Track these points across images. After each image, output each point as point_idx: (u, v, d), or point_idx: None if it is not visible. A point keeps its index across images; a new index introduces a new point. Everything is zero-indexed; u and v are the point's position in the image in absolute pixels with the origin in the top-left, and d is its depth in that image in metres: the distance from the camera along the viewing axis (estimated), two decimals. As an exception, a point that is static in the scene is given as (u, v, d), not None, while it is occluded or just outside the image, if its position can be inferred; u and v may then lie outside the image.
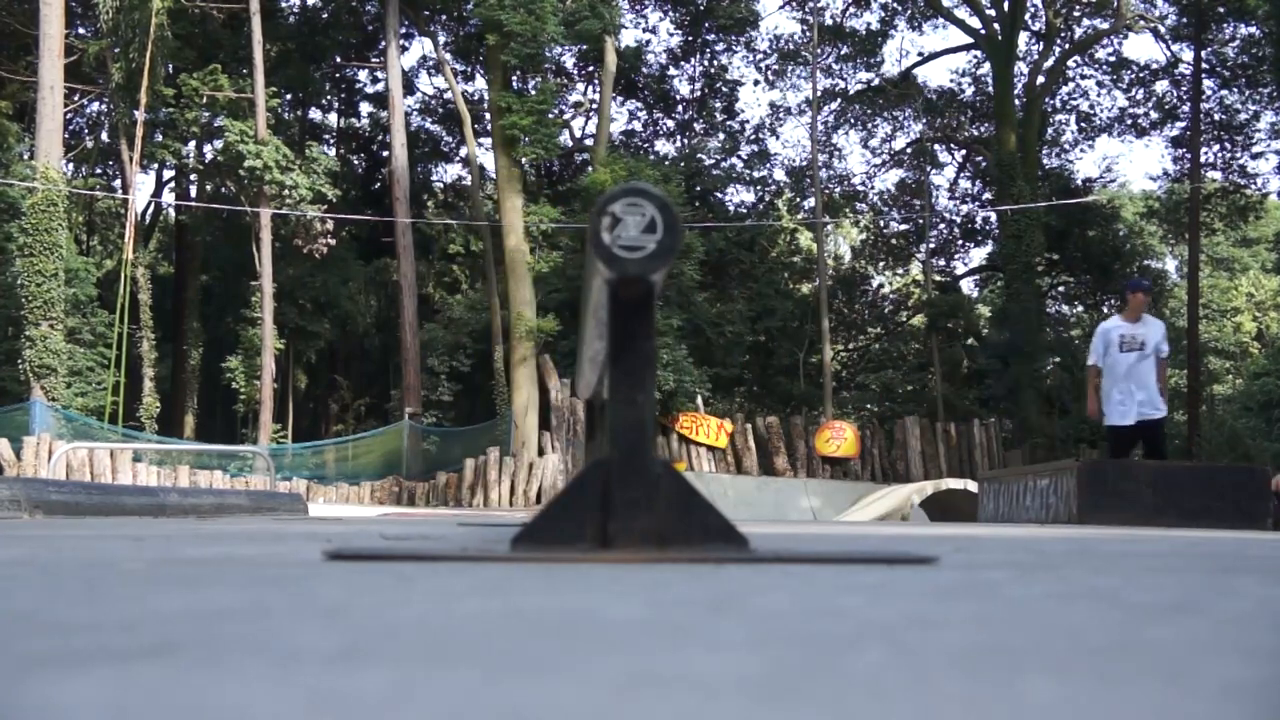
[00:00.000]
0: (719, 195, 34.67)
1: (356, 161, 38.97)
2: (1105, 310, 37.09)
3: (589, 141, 33.35)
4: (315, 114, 39.11)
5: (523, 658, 0.92)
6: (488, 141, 33.30)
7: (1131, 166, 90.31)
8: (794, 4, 37.24)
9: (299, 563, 2.04)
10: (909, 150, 38.61)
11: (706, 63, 37.25)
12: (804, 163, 37.39)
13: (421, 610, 1.27)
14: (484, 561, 2.01)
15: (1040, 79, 34.52)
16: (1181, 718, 0.70)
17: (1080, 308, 38.37)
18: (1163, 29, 35.24)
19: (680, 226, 2.10)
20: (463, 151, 36.13)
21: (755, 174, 36.86)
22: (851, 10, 36.95)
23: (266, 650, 0.94)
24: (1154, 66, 36.49)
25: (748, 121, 46.01)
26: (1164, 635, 1.12)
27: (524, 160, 29.00)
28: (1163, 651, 1.00)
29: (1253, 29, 32.97)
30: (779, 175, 38.27)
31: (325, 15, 35.80)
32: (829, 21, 36.52)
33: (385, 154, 35.86)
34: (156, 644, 0.97)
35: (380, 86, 35.34)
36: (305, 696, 0.74)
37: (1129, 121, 37.02)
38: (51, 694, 0.73)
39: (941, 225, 38.71)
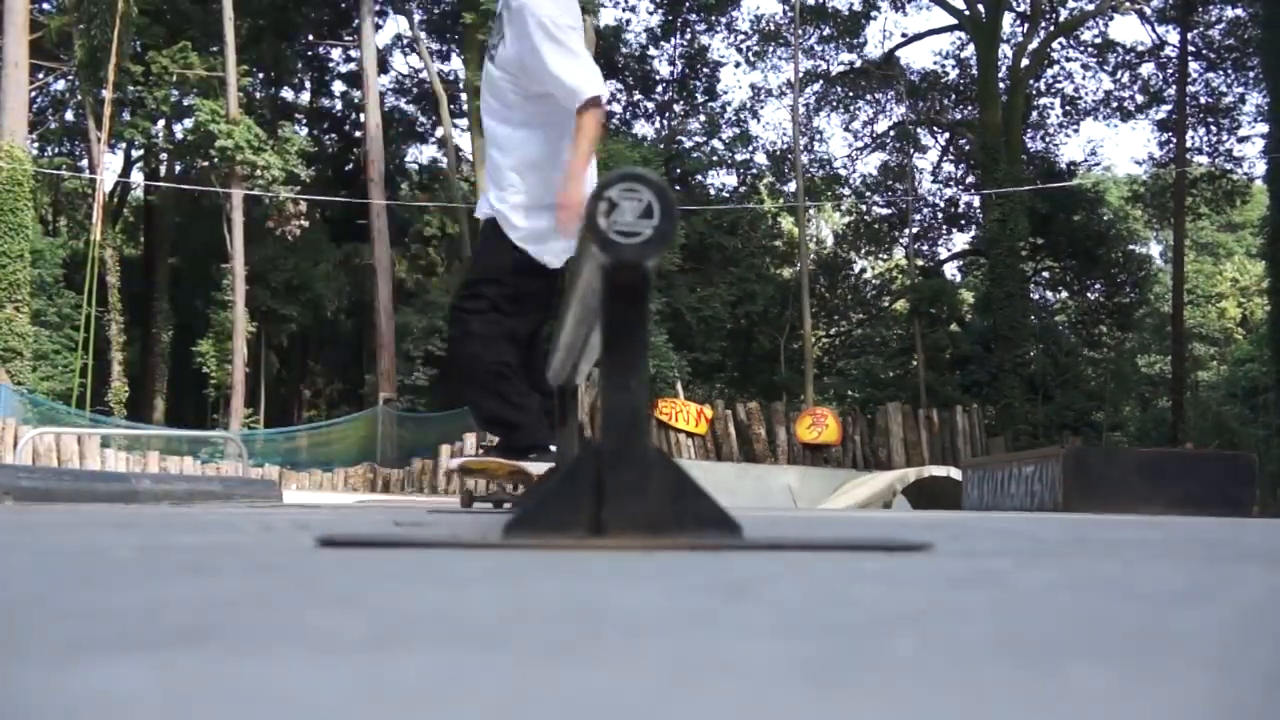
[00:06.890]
0: (700, 179, 34.21)
1: (328, 142, 38.35)
2: (1090, 296, 36.86)
3: (567, 122, 32.79)
4: (287, 93, 38.48)
5: (556, 644, 0.91)
6: (463, 122, 32.74)
7: (1117, 150, 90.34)
8: (776, -16, 36.80)
9: (293, 550, 2.10)
10: (891, 133, 38.19)
11: (687, 43, 36.75)
12: (785, 146, 36.96)
13: (436, 597, 1.28)
14: (479, 549, 2.11)
15: (1025, 61, 34.11)
16: (1235, 705, 0.71)
17: (1065, 293, 38.07)
18: (1149, 11, 34.93)
19: (676, 212, 2.12)
20: (438, 132, 35.55)
21: (737, 157, 36.45)
22: (834, -10, 36.49)
23: (296, 636, 0.93)
24: (1140, 49, 36.20)
25: (729, 103, 45.52)
26: (1189, 624, 1.10)
27: (500, 141, 28.50)
28: (1195, 640, 0.99)
29: (1239, 11, 32.72)
30: (760, 159, 37.86)
31: (298, -9, 35.17)
32: (811, 2, 36.01)
33: (358, 134, 35.26)
34: (185, 630, 0.94)
35: (353, 65, 34.73)
36: (354, 681, 0.72)
37: (1114, 105, 36.72)
38: (99, 679, 0.70)
39: (925, 209, 38.35)
